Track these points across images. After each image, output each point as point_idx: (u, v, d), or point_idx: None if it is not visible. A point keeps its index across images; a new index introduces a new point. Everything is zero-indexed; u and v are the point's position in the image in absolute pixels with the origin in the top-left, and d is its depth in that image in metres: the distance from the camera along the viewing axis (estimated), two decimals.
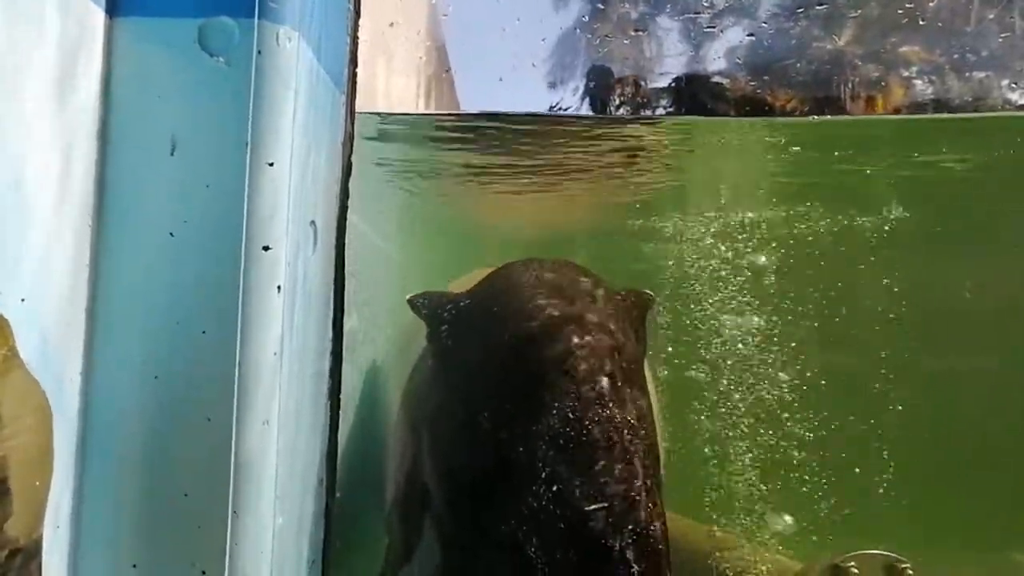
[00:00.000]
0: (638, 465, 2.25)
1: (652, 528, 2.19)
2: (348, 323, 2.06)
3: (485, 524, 2.44)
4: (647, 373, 3.46)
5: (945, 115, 4.09)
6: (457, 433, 2.63)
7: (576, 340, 2.40)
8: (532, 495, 2.22)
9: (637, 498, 2.19)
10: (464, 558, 2.71)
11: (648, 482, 2.25)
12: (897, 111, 4.18)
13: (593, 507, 2.16)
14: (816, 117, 4.02)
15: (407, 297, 2.90)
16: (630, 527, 2.16)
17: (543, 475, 2.23)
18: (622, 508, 2.17)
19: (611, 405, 2.31)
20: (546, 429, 2.27)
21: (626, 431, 2.29)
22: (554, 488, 2.21)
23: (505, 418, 2.40)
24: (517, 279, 2.69)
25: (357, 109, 2.03)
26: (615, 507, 2.17)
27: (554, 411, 2.28)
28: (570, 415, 2.27)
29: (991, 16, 3.95)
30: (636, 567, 2.13)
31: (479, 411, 2.49)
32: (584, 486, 2.19)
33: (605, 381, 2.34)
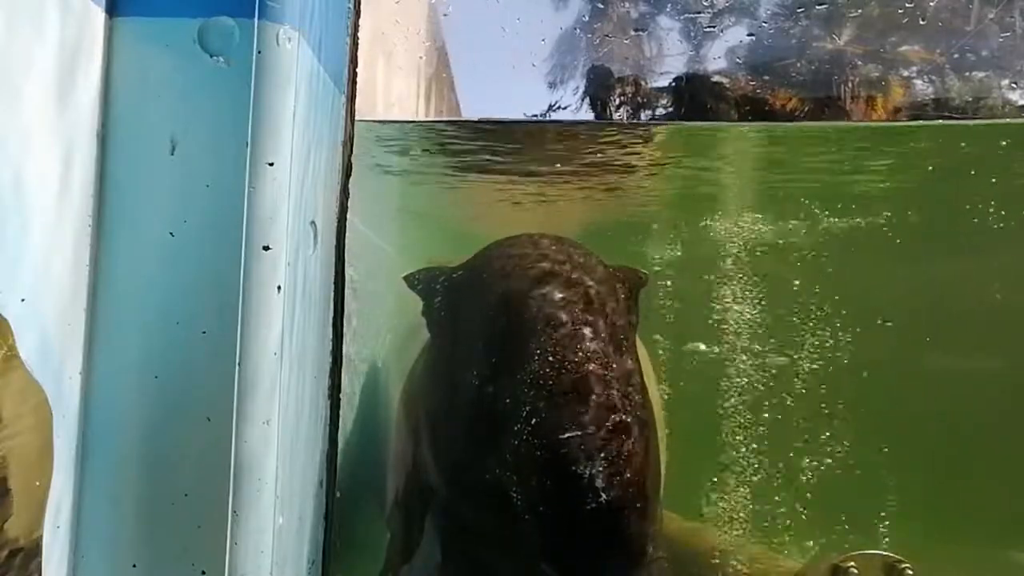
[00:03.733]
0: (616, 403, 2.32)
1: (623, 459, 2.23)
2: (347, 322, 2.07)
3: (474, 479, 2.50)
4: (644, 353, 3.47)
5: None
6: (450, 398, 2.70)
7: (560, 294, 2.48)
8: (515, 436, 2.28)
9: (612, 430, 2.23)
10: (450, 533, 2.77)
11: (627, 417, 2.30)
12: (897, 111, 4.18)
13: (567, 435, 2.19)
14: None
15: (403, 275, 2.95)
16: (602, 455, 2.20)
17: (524, 415, 2.28)
18: (595, 438, 2.22)
19: (590, 349, 2.38)
20: (528, 374, 2.34)
21: (605, 373, 2.36)
22: (532, 423, 2.27)
23: (491, 371, 2.46)
24: (506, 249, 2.77)
25: (357, 113, 2.03)
26: (588, 436, 2.21)
27: (536, 357, 2.35)
28: (551, 358, 2.34)
29: (991, 16, 3.95)
30: (604, 494, 2.15)
31: (468, 369, 2.55)
32: (560, 418, 2.25)
33: (586, 331, 2.42)
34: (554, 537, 2.23)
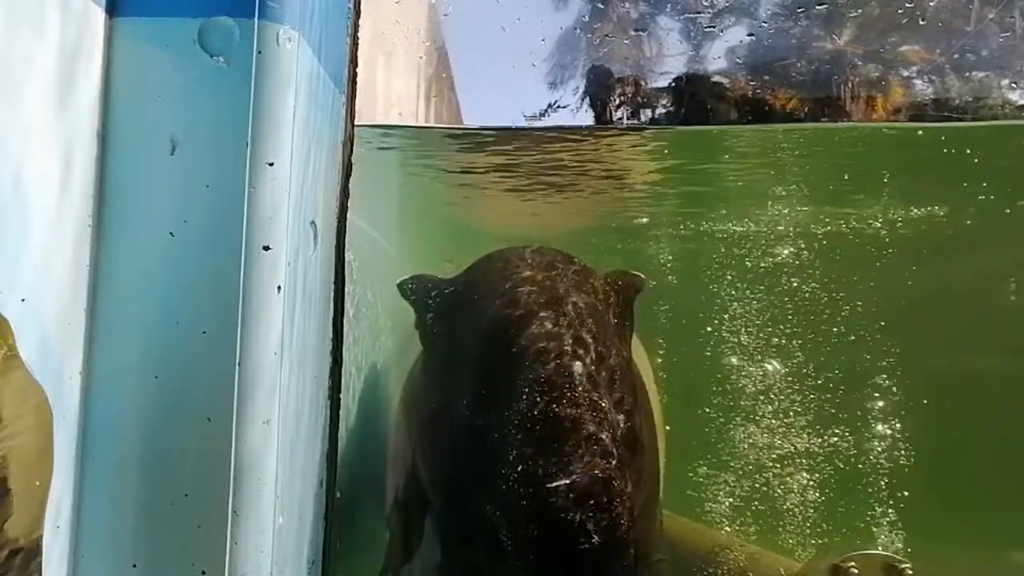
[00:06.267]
0: (606, 444, 2.26)
1: (616, 504, 2.19)
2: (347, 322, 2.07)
3: (464, 509, 2.48)
4: (644, 356, 3.46)
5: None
6: (440, 420, 2.67)
7: (550, 325, 2.42)
8: (503, 478, 2.25)
9: (601, 475, 2.20)
10: (449, 542, 2.76)
11: (614, 462, 2.25)
12: (897, 111, 4.18)
13: (555, 484, 2.17)
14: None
15: (397, 281, 2.93)
16: (592, 502, 2.17)
17: (512, 457, 2.26)
18: (585, 484, 2.18)
19: (580, 387, 2.32)
20: (516, 413, 2.29)
21: (595, 411, 2.30)
22: (519, 469, 2.23)
23: (480, 403, 2.43)
24: (499, 266, 2.72)
25: (357, 114, 2.03)
26: (577, 483, 2.18)
27: (524, 395, 2.31)
28: (538, 398, 2.29)
29: (991, 16, 3.95)
30: (594, 543, 2.13)
31: (459, 395, 2.52)
32: (548, 464, 2.21)
33: (577, 365, 2.36)
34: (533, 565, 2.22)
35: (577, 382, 2.33)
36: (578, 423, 2.26)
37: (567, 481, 2.18)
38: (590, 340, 2.44)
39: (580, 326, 2.46)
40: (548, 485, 2.18)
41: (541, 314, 2.45)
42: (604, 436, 2.27)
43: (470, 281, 2.77)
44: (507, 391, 2.33)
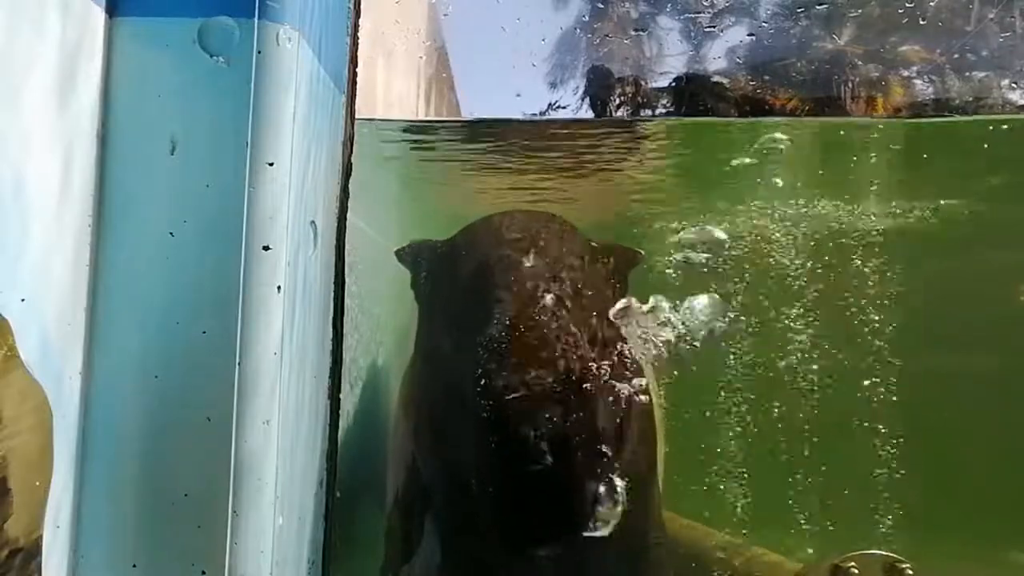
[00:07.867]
0: (570, 367, 2.26)
1: (569, 421, 2.18)
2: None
3: (447, 438, 2.56)
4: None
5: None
6: (429, 361, 2.76)
7: (528, 264, 2.48)
8: (471, 400, 2.28)
9: (561, 394, 2.20)
10: (447, 536, 2.84)
11: (583, 384, 2.25)
12: (897, 111, 4.19)
13: (511, 396, 2.17)
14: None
15: (395, 250, 3.00)
16: (547, 416, 2.16)
17: (477, 376, 2.28)
18: (541, 395, 2.18)
19: (550, 316, 2.35)
20: (484, 336, 2.33)
21: (565, 336, 2.32)
22: (483, 383, 2.25)
23: (459, 335, 2.49)
24: (490, 224, 2.81)
25: (358, 112, 2.03)
26: (534, 394, 2.18)
27: (495, 320, 2.34)
28: (507, 321, 2.33)
29: (991, 16, 3.95)
30: (549, 457, 2.13)
31: (444, 336, 2.61)
32: (508, 380, 2.21)
33: (548, 297, 2.40)
34: (501, 503, 2.22)
35: (548, 311, 2.36)
36: (541, 343, 2.28)
37: (524, 393, 2.18)
38: (568, 283, 2.49)
39: (555, 267, 2.50)
40: (505, 398, 2.17)
41: (520, 255, 2.51)
42: (569, 356, 2.28)
43: (460, 236, 2.88)
44: (479, 321, 2.38)
